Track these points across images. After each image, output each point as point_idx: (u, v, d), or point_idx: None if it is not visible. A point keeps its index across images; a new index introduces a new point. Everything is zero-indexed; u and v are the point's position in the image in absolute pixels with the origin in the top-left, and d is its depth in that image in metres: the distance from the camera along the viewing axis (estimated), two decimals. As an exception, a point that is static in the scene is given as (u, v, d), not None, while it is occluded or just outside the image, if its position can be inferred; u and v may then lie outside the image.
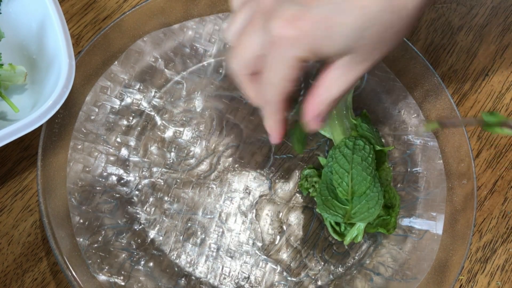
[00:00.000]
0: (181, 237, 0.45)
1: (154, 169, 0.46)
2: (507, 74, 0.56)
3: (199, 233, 0.45)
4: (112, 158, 0.46)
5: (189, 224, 0.45)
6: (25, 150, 0.47)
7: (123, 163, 0.46)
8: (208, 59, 0.51)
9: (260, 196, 0.47)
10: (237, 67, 0.37)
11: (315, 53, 0.32)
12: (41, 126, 0.41)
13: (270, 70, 0.34)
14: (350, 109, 0.47)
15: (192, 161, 0.47)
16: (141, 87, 0.49)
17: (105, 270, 0.42)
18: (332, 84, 0.35)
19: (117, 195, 0.45)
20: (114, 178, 0.45)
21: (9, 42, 0.45)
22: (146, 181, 0.46)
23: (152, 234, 0.44)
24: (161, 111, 0.48)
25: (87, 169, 0.45)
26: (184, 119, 0.48)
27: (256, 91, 0.37)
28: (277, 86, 0.35)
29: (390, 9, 0.31)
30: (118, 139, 0.47)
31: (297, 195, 0.47)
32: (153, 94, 0.49)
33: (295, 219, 0.47)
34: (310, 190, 0.46)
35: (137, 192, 0.45)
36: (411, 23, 0.33)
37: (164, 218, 0.45)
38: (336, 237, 0.44)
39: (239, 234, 0.45)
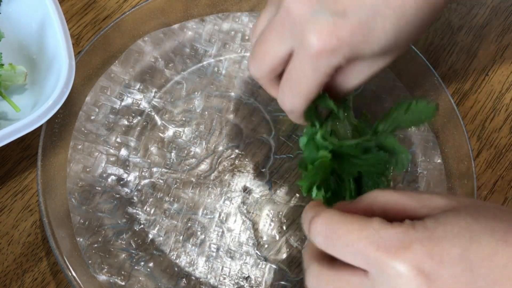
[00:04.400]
0: (181, 237, 0.45)
1: (154, 169, 0.46)
2: (507, 74, 0.56)
3: (199, 233, 0.45)
4: (112, 158, 0.46)
5: (189, 224, 0.45)
6: (25, 150, 0.47)
7: (123, 163, 0.46)
8: (208, 59, 0.51)
9: (260, 196, 0.47)
10: (256, 72, 0.36)
11: (351, 58, 0.32)
12: (41, 126, 0.41)
13: (301, 80, 0.33)
14: (351, 110, 0.47)
15: (192, 161, 0.47)
16: (141, 87, 0.49)
17: (105, 270, 0.42)
18: (353, 77, 0.35)
19: (117, 195, 0.45)
20: (114, 178, 0.45)
21: (9, 42, 0.45)
22: (146, 181, 0.46)
23: (152, 234, 0.44)
24: (161, 111, 0.48)
25: (87, 169, 0.45)
26: (184, 119, 0.48)
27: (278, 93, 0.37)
28: (306, 95, 0.34)
29: (427, 6, 0.30)
30: (118, 139, 0.47)
31: (297, 195, 0.47)
32: (153, 94, 0.49)
33: (295, 219, 0.47)
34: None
35: (137, 193, 0.45)
36: (439, 15, 0.33)
37: (164, 218, 0.45)
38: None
39: (239, 234, 0.45)
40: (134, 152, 0.47)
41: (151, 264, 0.43)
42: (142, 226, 0.44)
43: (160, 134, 0.47)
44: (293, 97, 0.35)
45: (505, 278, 0.24)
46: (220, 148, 0.48)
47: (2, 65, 0.42)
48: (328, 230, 0.28)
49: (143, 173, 0.46)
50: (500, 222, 0.26)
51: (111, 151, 0.46)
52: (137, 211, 0.45)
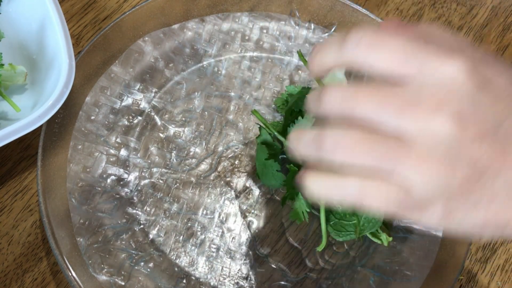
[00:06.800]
0: (181, 237, 0.45)
1: (154, 170, 0.46)
2: (507, 74, 0.56)
3: (199, 233, 0.45)
4: (112, 159, 0.46)
5: (189, 224, 0.45)
6: (25, 150, 0.47)
7: (123, 163, 0.46)
8: (208, 59, 0.51)
9: (260, 196, 0.47)
10: None
11: None
12: (41, 126, 0.41)
13: None
14: None
15: (192, 161, 0.47)
16: (141, 87, 0.49)
17: (105, 270, 0.42)
18: None
19: (117, 195, 0.45)
20: (114, 178, 0.45)
21: (9, 42, 0.45)
22: (146, 181, 0.46)
23: (152, 234, 0.44)
24: (161, 111, 0.48)
25: (87, 169, 0.45)
26: (184, 119, 0.48)
27: None
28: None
29: None
30: (118, 139, 0.47)
31: (297, 195, 0.47)
32: (153, 94, 0.49)
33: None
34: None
35: (137, 193, 0.45)
36: None
37: (164, 219, 0.45)
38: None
39: (239, 234, 0.45)
40: (134, 152, 0.47)
41: (151, 264, 0.43)
42: (142, 226, 0.44)
43: (160, 134, 0.47)
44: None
45: None
46: (220, 148, 0.48)
47: (2, 65, 0.42)
48: (375, 37, 0.25)
49: (143, 173, 0.46)
50: None
51: (111, 151, 0.46)
52: (137, 211, 0.45)
